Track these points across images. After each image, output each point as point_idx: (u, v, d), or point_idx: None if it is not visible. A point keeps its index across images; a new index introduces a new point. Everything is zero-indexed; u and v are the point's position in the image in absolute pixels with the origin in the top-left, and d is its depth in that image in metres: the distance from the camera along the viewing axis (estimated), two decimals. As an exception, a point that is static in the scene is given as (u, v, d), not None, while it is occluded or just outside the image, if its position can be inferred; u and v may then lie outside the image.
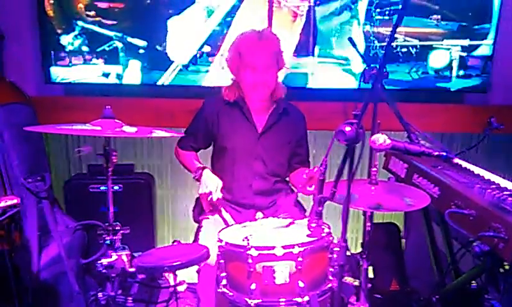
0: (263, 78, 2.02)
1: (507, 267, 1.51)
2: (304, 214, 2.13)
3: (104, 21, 2.73)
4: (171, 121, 2.69)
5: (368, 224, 1.76)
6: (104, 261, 1.70)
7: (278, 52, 2.08)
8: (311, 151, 2.32)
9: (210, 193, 1.96)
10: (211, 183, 1.98)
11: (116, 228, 1.76)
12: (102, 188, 2.64)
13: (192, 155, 2.22)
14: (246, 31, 2.11)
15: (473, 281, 1.84)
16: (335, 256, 1.55)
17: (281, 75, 2.20)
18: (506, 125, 2.12)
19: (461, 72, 2.95)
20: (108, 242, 1.74)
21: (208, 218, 2.11)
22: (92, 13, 2.71)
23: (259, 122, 2.13)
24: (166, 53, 2.78)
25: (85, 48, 2.76)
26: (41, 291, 2.08)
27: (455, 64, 2.93)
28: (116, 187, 2.62)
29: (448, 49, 2.90)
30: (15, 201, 1.95)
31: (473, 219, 1.52)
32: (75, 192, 2.71)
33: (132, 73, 2.81)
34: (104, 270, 1.70)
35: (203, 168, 2.06)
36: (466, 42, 2.90)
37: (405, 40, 2.87)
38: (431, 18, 2.85)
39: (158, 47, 2.77)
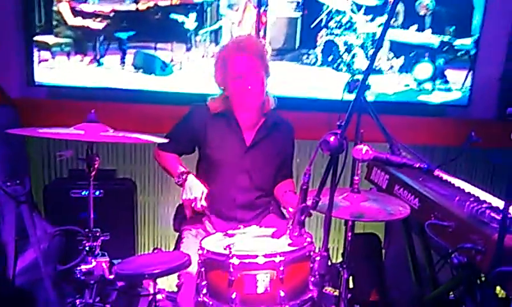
0: (251, 83, 1.98)
1: (484, 279, 1.53)
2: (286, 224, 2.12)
3: (89, 23, 2.71)
4: (158, 127, 2.65)
5: (349, 234, 1.77)
6: (83, 267, 1.67)
7: (262, 56, 2.04)
8: (295, 160, 2.33)
9: (195, 200, 1.91)
10: (196, 190, 1.93)
11: (96, 234, 1.73)
12: (83, 193, 2.59)
13: (175, 157, 2.14)
14: (227, 41, 2.11)
15: (451, 292, 1.86)
16: (316, 265, 1.55)
17: (268, 85, 2.13)
18: (486, 139, 2.16)
19: (443, 86, 3.02)
20: (87, 248, 1.71)
21: (190, 230, 2.07)
22: (77, 15, 2.70)
23: (248, 136, 2.10)
24: (154, 55, 2.79)
25: (70, 50, 2.74)
26: (17, 298, 2.03)
27: (437, 78, 3.01)
28: (96, 193, 2.59)
29: (431, 63, 2.97)
30: (-8, 204, 1.91)
31: (452, 231, 1.55)
32: (54, 197, 2.66)
33: (118, 76, 2.80)
34: (82, 277, 1.67)
35: (188, 173, 2.01)
36: (447, 56, 2.97)
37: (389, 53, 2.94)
38: (414, 32, 2.92)
39: (146, 51, 2.78)
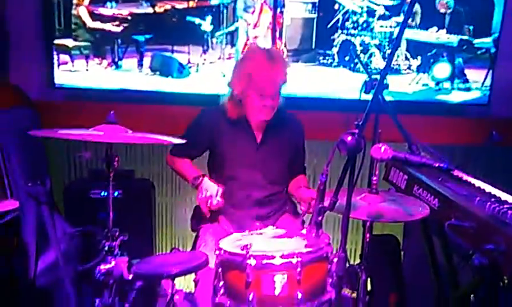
0: (270, 103, 2.02)
1: (507, 281, 1.50)
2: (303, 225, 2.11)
3: (107, 27, 2.75)
4: (175, 128, 2.67)
5: (368, 235, 1.76)
6: (103, 267, 1.69)
7: (286, 73, 2.05)
8: (312, 161, 2.32)
9: (210, 197, 1.98)
10: (211, 189, 2.00)
11: (115, 234, 1.75)
12: (102, 194, 2.62)
13: (188, 162, 2.20)
14: (254, 49, 2.09)
15: (472, 294, 1.82)
16: (334, 266, 1.54)
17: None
18: (507, 138, 2.12)
19: (462, 85, 2.96)
20: (107, 248, 1.73)
21: (208, 228, 2.10)
22: (96, 18, 2.74)
23: (258, 133, 2.13)
24: (172, 58, 2.81)
25: (89, 53, 2.78)
26: (37, 298, 2.06)
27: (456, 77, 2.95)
28: (115, 193, 2.61)
29: (449, 62, 2.92)
30: (14, 206, 1.95)
31: (473, 232, 1.52)
32: (74, 198, 2.71)
33: (136, 79, 2.83)
34: (101, 277, 1.69)
35: (203, 175, 2.07)
36: (467, 55, 2.92)
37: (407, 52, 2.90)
38: (432, 31, 2.88)
39: (163, 53, 2.80)
